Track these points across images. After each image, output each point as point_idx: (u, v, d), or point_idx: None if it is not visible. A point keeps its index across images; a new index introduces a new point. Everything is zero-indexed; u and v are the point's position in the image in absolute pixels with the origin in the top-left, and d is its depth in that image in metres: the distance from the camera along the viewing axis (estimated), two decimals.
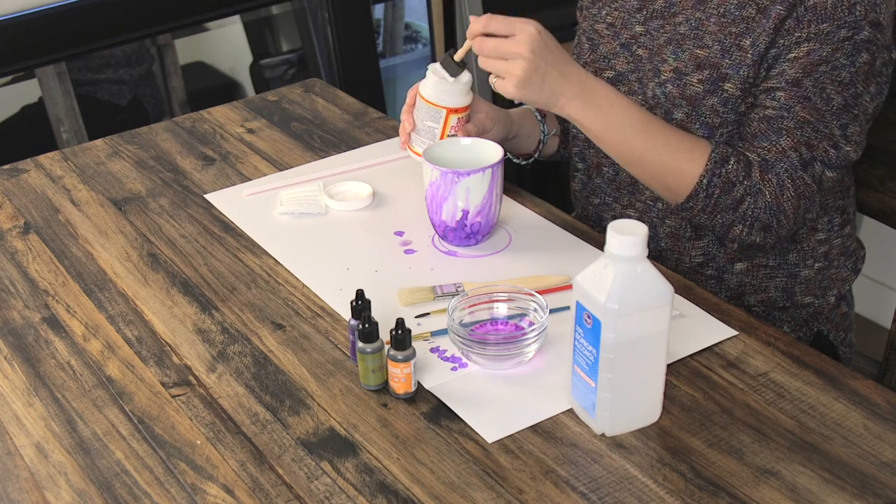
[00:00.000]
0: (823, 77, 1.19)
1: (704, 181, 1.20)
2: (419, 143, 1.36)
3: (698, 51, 1.26)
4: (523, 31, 1.16)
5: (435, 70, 1.33)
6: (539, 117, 1.44)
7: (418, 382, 1.08)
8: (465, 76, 1.35)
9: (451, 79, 1.27)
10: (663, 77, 1.29)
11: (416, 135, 1.39)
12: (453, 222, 1.26)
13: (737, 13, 1.24)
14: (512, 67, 1.16)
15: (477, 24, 1.18)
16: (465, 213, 1.25)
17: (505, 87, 1.17)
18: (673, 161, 1.21)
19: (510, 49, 1.16)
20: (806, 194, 1.22)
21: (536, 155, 1.45)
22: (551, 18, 2.73)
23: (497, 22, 1.17)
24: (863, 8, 1.18)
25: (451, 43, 2.73)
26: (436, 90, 1.32)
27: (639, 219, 1.36)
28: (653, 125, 1.22)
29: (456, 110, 1.32)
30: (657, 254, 1.38)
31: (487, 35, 1.18)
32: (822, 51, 1.19)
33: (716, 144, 1.23)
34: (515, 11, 2.89)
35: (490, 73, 1.19)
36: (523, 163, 1.46)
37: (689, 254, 1.36)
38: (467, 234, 1.28)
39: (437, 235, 1.33)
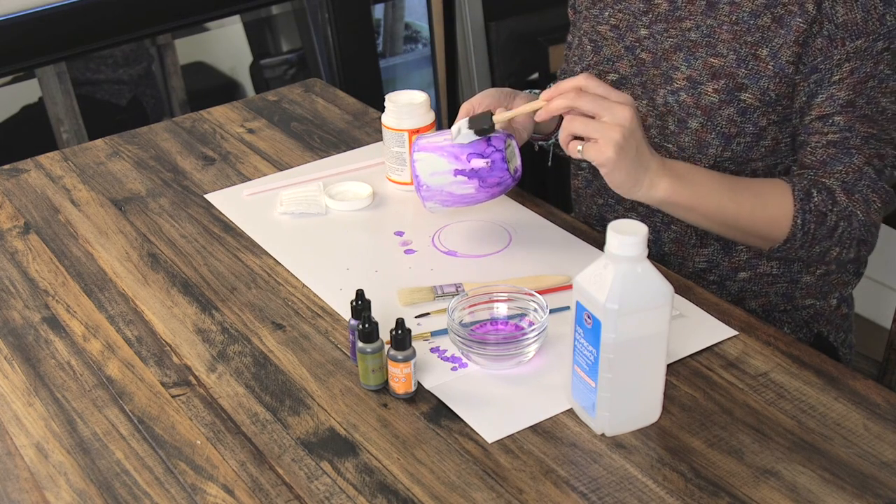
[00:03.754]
0: (874, 92, 1.20)
1: (798, 220, 1.19)
2: (393, 171, 1.44)
3: (712, 59, 1.25)
4: (623, 104, 1.09)
5: (391, 99, 1.39)
6: None
7: (418, 382, 1.07)
8: (422, 97, 1.41)
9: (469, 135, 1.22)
10: (676, 85, 1.28)
11: (389, 163, 1.43)
12: (472, 182, 1.22)
13: (751, 21, 1.23)
14: (611, 132, 1.08)
15: (574, 81, 1.11)
16: (460, 171, 1.22)
17: (602, 151, 1.08)
18: (764, 211, 1.19)
19: (613, 112, 1.08)
20: (887, 199, 1.23)
21: (558, 134, 1.42)
22: (551, 18, 2.75)
23: (596, 84, 1.10)
24: (892, 17, 1.19)
25: (451, 42, 2.73)
26: (396, 116, 1.39)
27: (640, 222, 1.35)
28: (734, 182, 1.20)
29: (417, 130, 1.38)
30: (660, 258, 1.37)
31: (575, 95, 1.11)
32: (865, 67, 1.19)
33: (791, 181, 1.21)
34: (516, 11, 2.87)
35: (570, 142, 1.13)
36: (546, 144, 1.44)
37: (692, 260, 1.36)
38: (495, 173, 1.22)
39: (438, 236, 1.33)
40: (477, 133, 1.21)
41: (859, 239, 1.22)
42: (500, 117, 1.21)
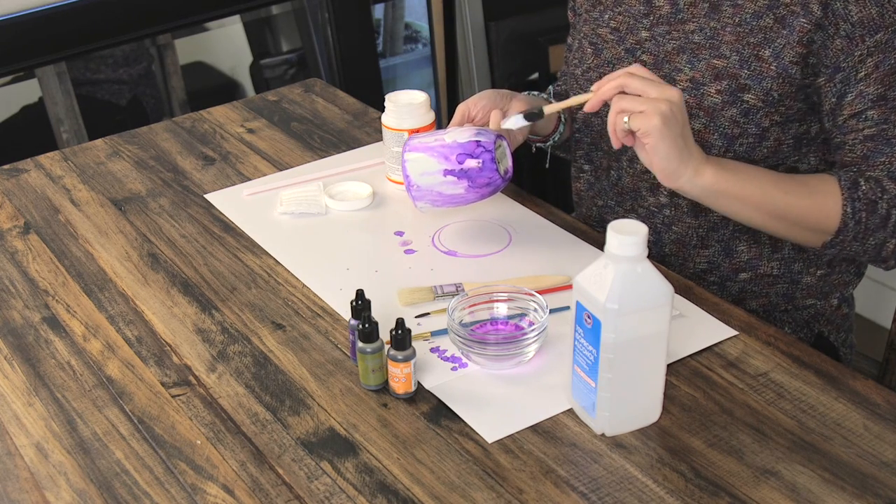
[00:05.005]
0: None
1: (849, 208, 1.18)
2: (393, 171, 1.44)
3: (715, 61, 1.25)
4: (669, 88, 1.12)
5: (391, 99, 1.40)
6: (552, 100, 1.43)
7: (418, 382, 1.08)
8: (422, 96, 1.41)
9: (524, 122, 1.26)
10: (679, 86, 1.28)
11: (389, 163, 1.43)
12: (461, 183, 1.23)
13: (753, 23, 1.23)
14: (658, 104, 1.10)
15: (622, 70, 1.14)
16: (450, 171, 1.22)
17: (649, 118, 1.10)
18: (812, 199, 1.19)
19: (659, 91, 1.11)
20: None
21: (556, 136, 1.42)
22: (551, 18, 2.74)
23: (645, 71, 1.13)
24: None
25: (451, 42, 2.73)
26: (396, 116, 1.39)
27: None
28: (777, 173, 1.20)
29: (417, 130, 1.38)
30: (660, 259, 1.37)
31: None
32: (890, 59, 1.19)
33: (835, 173, 1.21)
34: (516, 11, 2.88)
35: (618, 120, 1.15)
36: (544, 146, 1.44)
37: (693, 261, 1.36)
38: (485, 173, 1.22)
39: (438, 236, 1.33)
40: (525, 117, 1.25)
41: None
42: (550, 109, 1.24)
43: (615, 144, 1.15)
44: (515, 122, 1.25)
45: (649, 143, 1.12)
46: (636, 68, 1.14)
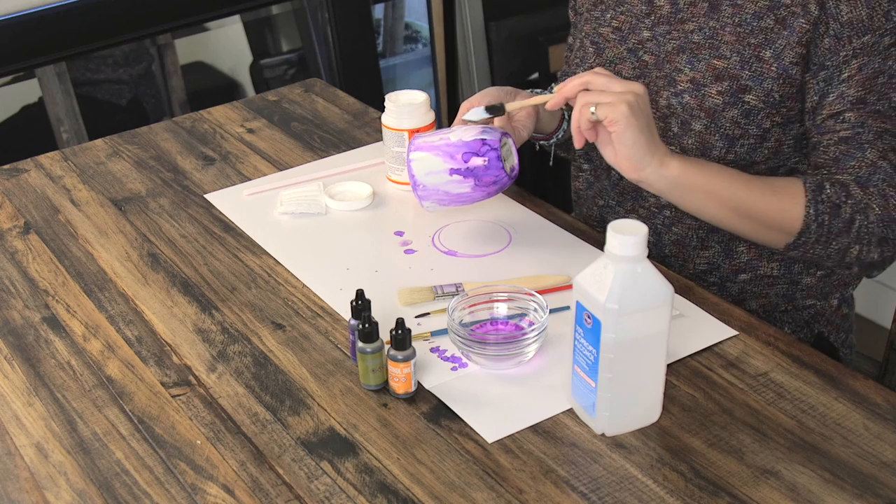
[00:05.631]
0: (884, 87, 1.20)
1: (811, 210, 1.18)
2: (393, 171, 1.44)
3: (716, 61, 1.25)
4: (633, 83, 1.14)
5: (391, 99, 1.41)
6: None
7: (418, 382, 1.08)
8: (422, 97, 1.41)
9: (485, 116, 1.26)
10: (680, 87, 1.28)
11: (389, 163, 1.43)
12: (468, 182, 1.23)
13: (754, 23, 1.23)
14: (624, 95, 1.12)
15: (588, 71, 1.17)
16: (456, 170, 1.22)
17: (615, 107, 1.11)
18: (777, 200, 1.19)
19: (623, 86, 1.13)
20: None
21: (560, 134, 1.42)
22: (551, 18, 2.74)
23: (607, 72, 1.16)
24: None
25: (451, 42, 2.73)
26: (396, 116, 1.40)
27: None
28: (743, 173, 1.21)
29: (417, 130, 1.38)
30: (660, 260, 1.37)
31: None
32: (873, 63, 1.19)
33: (802, 177, 1.21)
34: (516, 11, 2.88)
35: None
36: (547, 144, 1.44)
37: (693, 262, 1.36)
38: (491, 171, 1.23)
39: (438, 236, 1.33)
40: (487, 110, 1.24)
41: (880, 237, 1.20)
42: (512, 106, 1.25)
43: (578, 142, 1.17)
44: (476, 113, 1.25)
45: (616, 130, 1.12)
46: (600, 69, 1.16)
